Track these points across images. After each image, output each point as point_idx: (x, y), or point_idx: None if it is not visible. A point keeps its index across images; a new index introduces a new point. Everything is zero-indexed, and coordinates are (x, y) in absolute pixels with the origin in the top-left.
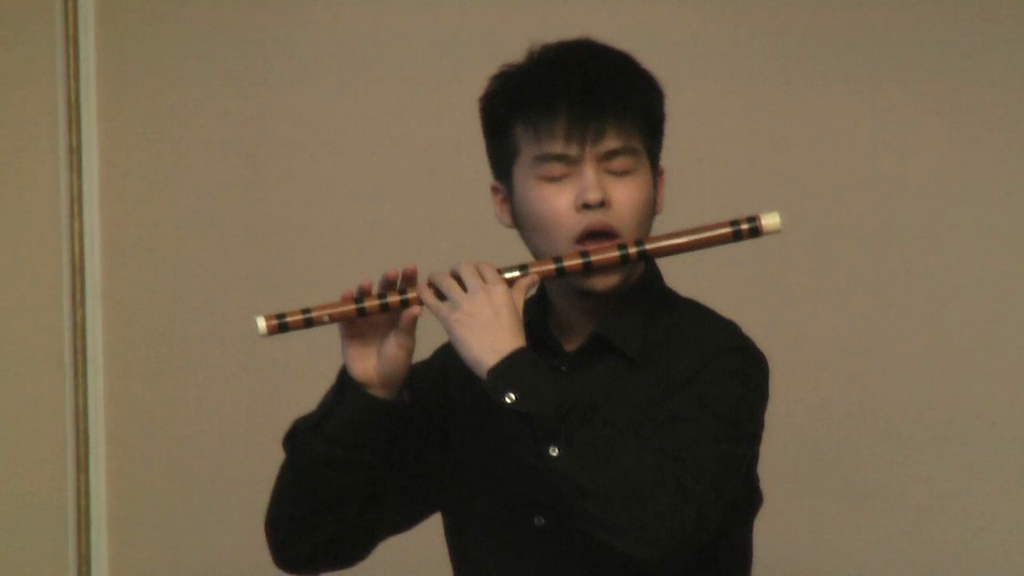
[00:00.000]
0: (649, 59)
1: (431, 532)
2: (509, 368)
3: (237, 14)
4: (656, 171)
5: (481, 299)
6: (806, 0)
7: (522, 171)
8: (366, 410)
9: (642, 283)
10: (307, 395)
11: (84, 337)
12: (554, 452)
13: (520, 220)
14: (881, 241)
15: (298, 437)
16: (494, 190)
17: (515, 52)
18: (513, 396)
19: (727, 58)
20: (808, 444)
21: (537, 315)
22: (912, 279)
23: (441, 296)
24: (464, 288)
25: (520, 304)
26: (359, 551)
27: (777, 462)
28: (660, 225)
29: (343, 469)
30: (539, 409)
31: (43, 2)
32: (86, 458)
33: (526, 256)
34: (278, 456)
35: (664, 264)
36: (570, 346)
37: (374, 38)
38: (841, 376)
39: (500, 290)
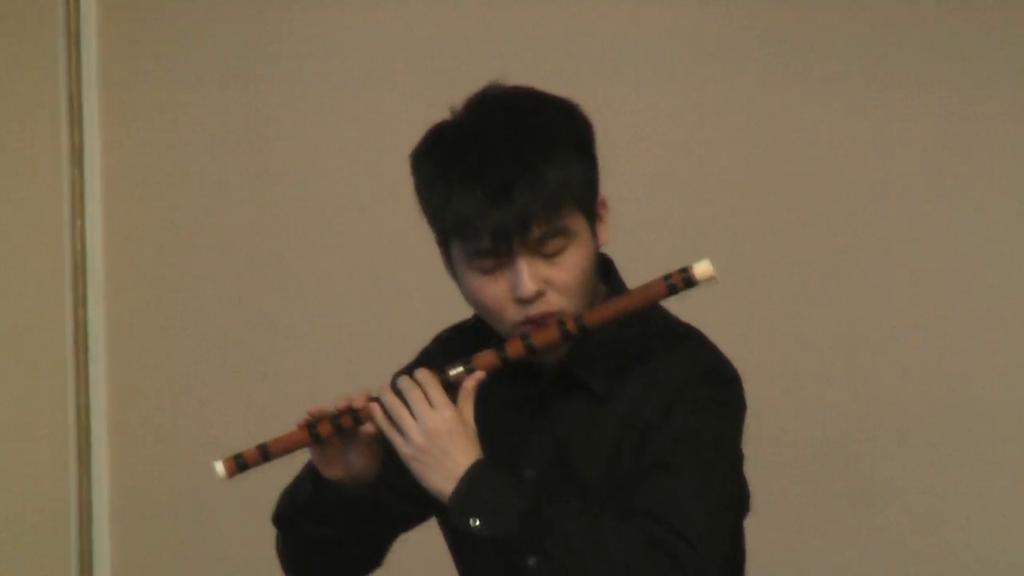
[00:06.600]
0: (644, 59)
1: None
2: (467, 493)
3: (240, 12)
4: (594, 217)
5: (430, 428)
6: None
7: (457, 252)
8: (345, 504)
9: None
10: (308, 391)
11: (86, 335)
12: (532, 563)
13: (462, 291)
14: (882, 240)
15: (287, 520)
16: (436, 240)
17: (518, 52)
18: (477, 521)
19: (724, 57)
20: (809, 443)
21: None
22: (913, 278)
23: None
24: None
25: (469, 415)
26: (375, 563)
27: (777, 462)
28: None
29: (337, 544)
30: (505, 529)
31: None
32: (88, 455)
33: None
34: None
35: (653, 265)
36: (548, 359)
37: (378, 38)
38: (842, 375)
39: (447, 415)
